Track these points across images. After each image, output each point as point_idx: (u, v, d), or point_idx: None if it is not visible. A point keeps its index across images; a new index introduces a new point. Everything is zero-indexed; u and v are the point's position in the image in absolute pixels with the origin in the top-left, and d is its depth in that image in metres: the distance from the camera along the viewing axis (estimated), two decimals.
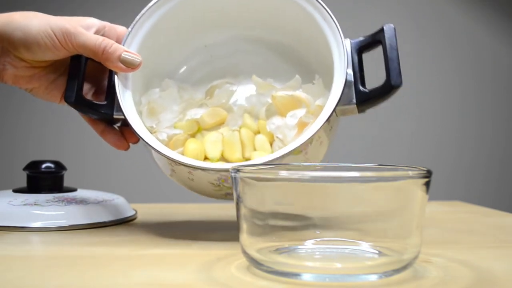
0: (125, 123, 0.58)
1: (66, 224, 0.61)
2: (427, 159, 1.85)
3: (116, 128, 0.62)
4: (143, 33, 0.61)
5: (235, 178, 0.42)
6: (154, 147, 0.55)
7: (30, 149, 1.88)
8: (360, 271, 0.40)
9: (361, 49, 0.58)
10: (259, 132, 0.61)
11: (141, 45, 0.61)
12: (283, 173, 0.43)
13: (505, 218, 0.76)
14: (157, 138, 0.59)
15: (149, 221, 0.69)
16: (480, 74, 1.91)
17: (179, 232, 0.62)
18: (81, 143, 1.78)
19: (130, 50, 0.59)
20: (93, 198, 0.66)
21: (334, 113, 0.55)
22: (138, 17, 0.61)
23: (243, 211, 0.42)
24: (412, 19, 1.89)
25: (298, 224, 0.41)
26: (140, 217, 0.71)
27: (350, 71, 0.57)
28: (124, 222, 0.66)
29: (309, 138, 0.53)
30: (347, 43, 0.58)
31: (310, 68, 0.64)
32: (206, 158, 0.59)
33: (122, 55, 0.58)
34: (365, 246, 0.42)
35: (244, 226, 0.42)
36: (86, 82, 0.62)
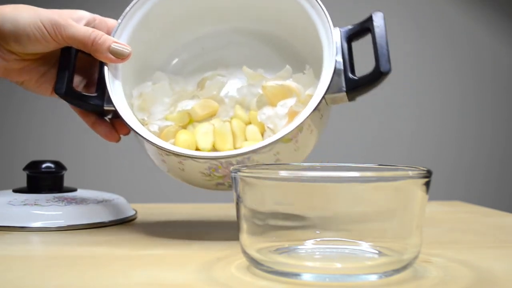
0: (116, 115, 0.58)
1: (66, 224, 0.61)
2: (427, 159, 1.85)
3: (107, 120, 0.62)
4: (133, 25, 0.61)
5: (235, 178, 0.42)
6: (144, 136, 0.55)
7: (30, 149, 1.88)
8: (360, 271, 0.40)
9: (350, 37, 0.58)
10: (250, 123, 0.61)
11: (131, 37, 0.61)
12: (283, 173, 0.43)
13: (505, 218, 0.76)
14: (149, 130, 0.59)
15: (149, 221, 0.69)
16: (480, 74, 1.91)
17: (179, 232, 0.62)
18: (81, 143, 1.78)
19: (119, 41, 0.60)
20: (93, 198, 0.66)
21: (324, 102, 0.55)
22: (128, 8, 0.61)
23: (243, 211, 0.42)
24: (412, 19, 1.89)
25: (298, 224, 0.41)
26: (140, 217, 0.71)
27: (340, 59, 0.57)
28: (124, 222, 0.66)
29: (298, 126, 0.53)
30: (336, 31, 0.58)
31: (301, 58, 0.64)
32: (197, 149, 0.59)
33: (112, 46, 0.59)
34: (365, 246, 0.42)
35: (244, 226, 0.42)
36: (77, 74, 0.62)
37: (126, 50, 0.59)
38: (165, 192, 1.43)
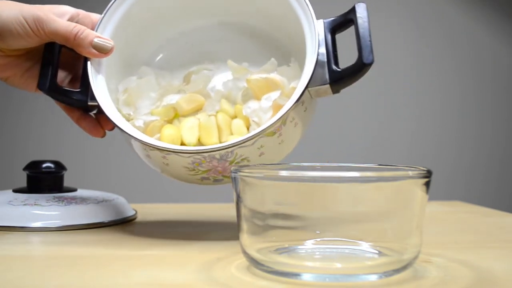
0: (101, 110, 0.58)
1: (66, 224, 0.61)
2: (427, 159, 1.85)
3: (92, 115, 0.62)
4: (116, 19, 0.61)
5: (235, 178, 0.42)
6: (127, 131, 0.55)
7: (30, 149, 1.88)
8: (360, 271, 0.40)
9: (334, 29, 0.58)
10: (236, 117, 0.61)
11: (115, 32, 0.61)
12: (283, 173, 0.43)
13: (505, 218, 0.76)
14: (134, 125, 0.59)
15: (149, 221, 0.69)
16: (480, 74, 1.91)
17: (179, 232, 0.62)
18: (81, 143, 1.78)
19: (102, 36, 0.59)
20: (93, 198, 0.66)
21: (308, 94, 0.55)
22: (110, 3, 0.61)
23: (243, 211, 0.42)
24: (412, 19, 1.89)
25: (298, 224, 0.41)
26: (140, 217, 0.71)
27: (323, 51, 0.57)
28: (124, 222, 0.66)
29: (280, 118, 0.53)
30: (320, 23, 0.58)
31: (286, 51, 0.64)
32: (183, 144, 0.59)
33: (94, 40, 0.58)
34: (365, 246, 0.42)
35: (244, 226, 0.42)
36: (62, 69, 0.62)
37: (108, 45, 0.59)
38: (165, 192, 1.43)
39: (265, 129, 0.53)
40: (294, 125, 0.56)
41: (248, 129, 0.59)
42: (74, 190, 0.69)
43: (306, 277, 0.40)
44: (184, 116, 0.62)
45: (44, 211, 0.62)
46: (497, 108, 1.92)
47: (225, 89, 0.63)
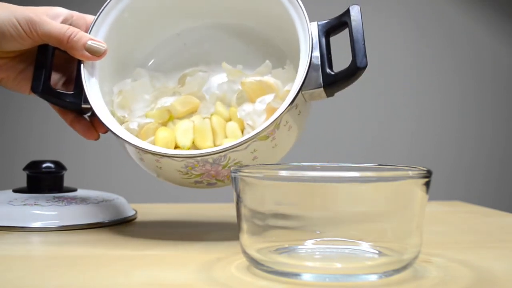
0: (94, 113, 0.58)
1: (66, 224, 0.61)
2: (427, 159, 1.85)
3: (86, 118, 0.62)
4: (110, 22, 0.61)
5: (235, 178, 0.42)
6: (120, 135, 0.55)
7: (30, 149, 1.88)
8: (360, 271, 0.40)
9: (328, 32, 0.58)
10: (230, 120, 0.61)
11: (108, 34, 0.61)
12: (283, 173, 0.43)
13: (505, 218, 0.76)
14: (128, 128, 0.59)
15: (149, 221, 0.69)
16: (480, 74, 1.91)
17: (179, 232, 0.62)
18: (81, 143, 1.77)
19: (95, 38, 0.59)
20: (93, 198, 0.66)
21: (302, 98, 0.55)
22: (104, 5, 0.61)
23: (243, 211, 0.42)
24: (412, 19, 1.89)
25: (298, 224, 0.41)
26: (140, 217, 0.71)
27: (317, 54, 0.56)
28: (124, 222, 0.66)
29: (273, 122, 0.53)
30: (314, 26, 0.58)
31: (282, 53, 0.64)
32: (177, 147, 0.59)
33: (88, 43, 0.58)
34: (365, 246, 0.42)
35: (244, 226, 0.42)
36: (56, 71, 0.62)
37: (101, 48, 0.59)
38: (165, 192, 1.43)
39: (258, 133, 0.53)
40: (288, 128, 0.56)
41: (242, 132, 0.59)
42: (74, 190, 0.69)
43: (306, 277, 0.40)
44: (179, 118, 0.62)
45: (44, 211, 0.62)
46: (497, 108, 1.92)
47: (220, 91, 0.63)
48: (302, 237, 0.42)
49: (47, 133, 1.89)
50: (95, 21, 0.61)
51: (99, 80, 0.60)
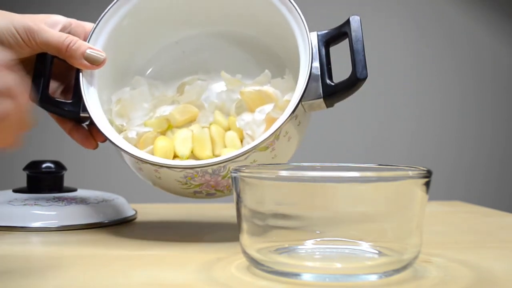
0: (93, 122, 0.58)
1: (66, 224, 0.61)
2: (427, 159, 1.85)
3: (85, 126, 0.61)
4: (108, 30, 0.61)
5: (235, 178, 0.42)
6: (118, 145, 0.55)
7: (30, 149, 1.87)
8: (360, 271, 0.40)
9: (328, 42, 0.57)
10: (229, 129, 0.60)
11: (107, 43, 0.60)
12: (283, 173, 0.43)
13: (505, 218, 0.76)
14: (127, 137, 0.59)
15: (149, 221, 0.69)
16: (480, 74, 1.91)
17: (179, 232, 0.62)
18: None
19: (94, 47, 0.59)
20: (93, 198, 0.66)
21: (302, 108, 0.55)
22: (102, 14, 0.61)
23: (243, 211, 0.42)
24: (412, 19, 1.89)
25: (298, 224, 0.41)
26: (140, 217, 0.71)
27: (317, 65, 0.56)
28: (124, 222, 0.66)
29: (273, 133, 0.53)
30: (314, 36, 0.57)
31: (281, 62, 0.64)
32: (176, 156, 0.58)
33: (86, 52, 0.58)
34: (365, 246, 0.42)
35: (244, 226, 0.42)
36: (54, 80, 0.62)
37: (100, 56, 0.58)
38: (165, 192, 1.43)
39: (257, 144, 0.52)
40: (288, 139, 0.56)
41: (241, 141, 0.59)
42: (74, 190, 0.69)
43: (306, 277, 0.40)
44: (178, 127, 0.61)
45: (44, 211, 0.62)
46: (497, 108, 1.91)
47: (218, 100, 0.63)
48: (302, 237, 0.42)
49: (47, 133, 1.89)
50: (94, 29, 0.60)
51: (97, 88, 0.59)
